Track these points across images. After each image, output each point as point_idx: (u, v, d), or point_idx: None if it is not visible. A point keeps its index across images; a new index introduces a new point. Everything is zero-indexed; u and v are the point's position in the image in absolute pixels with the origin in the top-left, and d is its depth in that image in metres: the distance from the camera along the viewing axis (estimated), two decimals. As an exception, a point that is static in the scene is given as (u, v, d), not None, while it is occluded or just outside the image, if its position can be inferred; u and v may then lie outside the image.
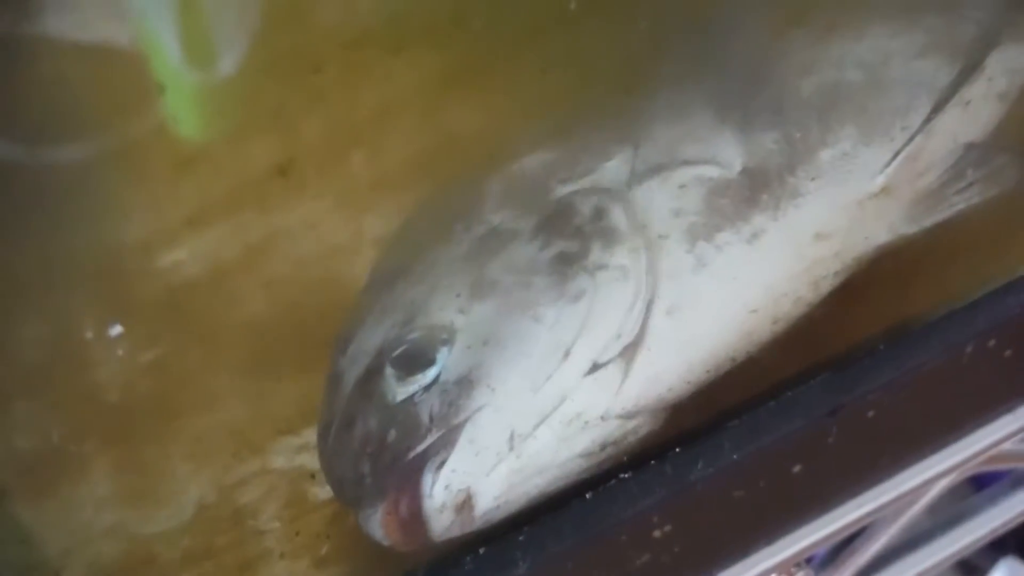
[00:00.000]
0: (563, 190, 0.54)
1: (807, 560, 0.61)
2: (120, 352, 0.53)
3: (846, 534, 0.60)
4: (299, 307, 0.55)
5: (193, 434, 0.54)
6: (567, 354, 0.50)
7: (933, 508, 0.66)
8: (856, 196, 0.54)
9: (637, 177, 0.54)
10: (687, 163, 0.54)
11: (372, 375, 0.51)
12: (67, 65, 0.51)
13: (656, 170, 0.54)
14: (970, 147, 0.57)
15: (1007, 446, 0.65)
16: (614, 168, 0.54)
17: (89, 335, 0.53)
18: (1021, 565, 1.10)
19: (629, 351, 0.51)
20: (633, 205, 0.53)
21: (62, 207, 0.52)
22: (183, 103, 0.54)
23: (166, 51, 0.53)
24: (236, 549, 0.53)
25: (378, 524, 0.49)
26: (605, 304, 0.51)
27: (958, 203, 0.57)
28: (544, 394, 0.50)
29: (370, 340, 0.52)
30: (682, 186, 0.53)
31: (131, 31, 0.52)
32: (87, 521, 0.52)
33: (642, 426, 0.53)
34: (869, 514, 0.60)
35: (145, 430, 0.54)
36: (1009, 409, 0.62)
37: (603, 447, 0.52)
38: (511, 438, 0.49)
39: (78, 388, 0.53)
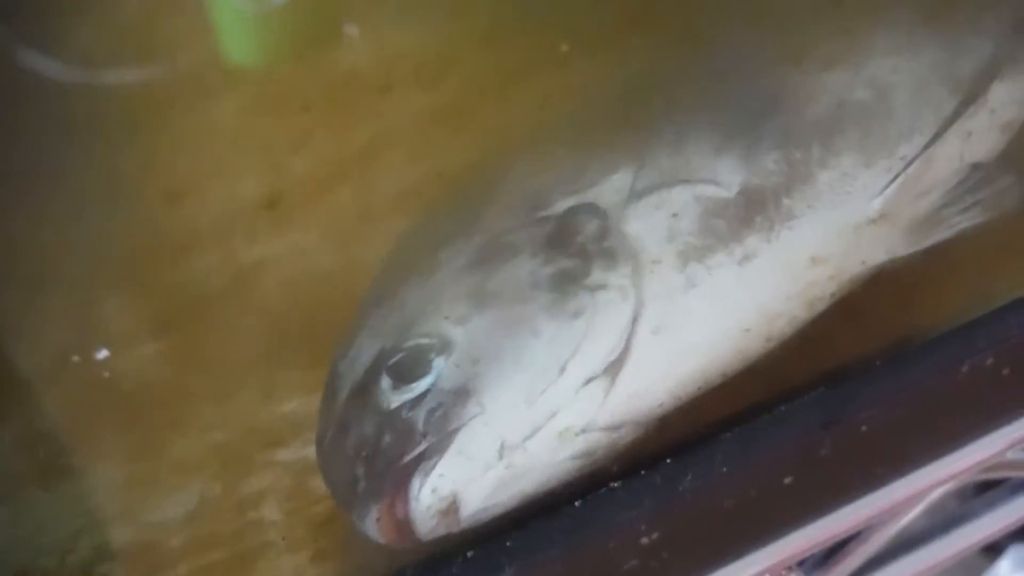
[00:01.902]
0: (565, 203, 0.55)
1: (799, 563, 0.62)
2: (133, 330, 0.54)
3: (838, 539, 0.61)
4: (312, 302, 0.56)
5: (202, 424, 0.56)
6: (562, 370, 0.51)
7: (930, 511, 0.67)
8: (853, 220, 0.55)
9: (637, 194, 0.55)
10: (686, 182, 0.54)
11: (368, 381, 0.52)
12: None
13: (656, 187, 0.54)
14: (975, 167, 0.57)
15: (1008, 455, 0.65)
16: (616, 183, 0.55)
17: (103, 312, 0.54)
18: (1032, 553, 1.10)
19: (614, 367, 0.52)
20: (630, 223, 0.54)
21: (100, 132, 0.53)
22: (235, 31, 0.54)
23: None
24: (238, 539, 0.55)
25: (372, 524, 0.51)
26: (603, 323, 0.52)
27: (960, 223, 0.57)
28: (537, 408, 0.51)
29: (368, 346, 0.53)
30: (680, 204, 0.54)
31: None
32: (97, 506, 0.54)
33: (629, 434, 0.54)
34: (861, 521, 0.61)
35: (155, 419, 0.56)
36: (1007, 421, 0.62)
37: (589, 455, 0.53)
38: (501, 448, 0.51)
39: (89, 375, 0.54)
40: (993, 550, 1.17)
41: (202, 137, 0.53)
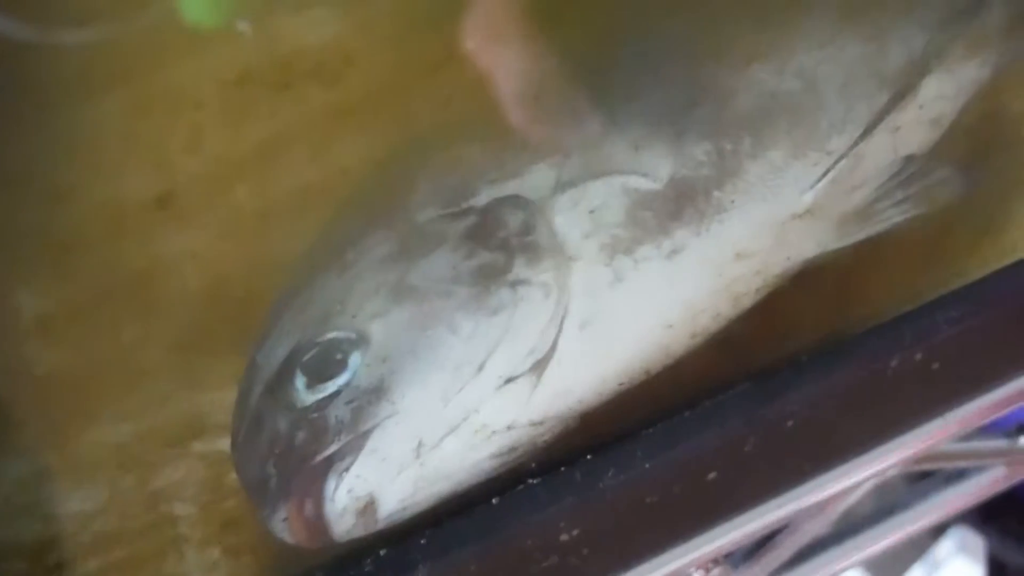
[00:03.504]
0: (490, 192, 0.54)
1: (725, 556, 0.61)
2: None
3: (766, 532, 0.61)
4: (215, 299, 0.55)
5: (114, 414, 0.55)
6: (480, 368, 0.50)
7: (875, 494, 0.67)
8: (782, 215, 0.54)
9: (562, 185, 0.53)
10: (614, 173, 0.53)
11: (282, 377, 0.51)
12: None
13: (582, 179, 0.53)
14: (909, 160, 0.57)
15: (941, 447, 0.65)
16: (541, 173, 0.54)
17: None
18: (971, 534, 1.11)
19: (540, 365, 0.51)
20: (557, 215, 0.53)
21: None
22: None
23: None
24: (149, 533, 0.54)
25: (280, 524, 0.50)
26: (524, 320, 0.51)
27: (892, 217, 0.56)
28: (454, 407, 0.50)
29: (285, 338, 0.52)
30: (607, 196, 0.53)
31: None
32: (1, 500, 0.53)
33: (552, 432, 0.53)
34: (789, 515, 0.60)
35: (66, 408, 0.54)
36: (938, 414, 0.62)
37: (512, 451, 0.52)
38: (418, 447, 0.50)
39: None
40: (936, 530, 1.18)
41: (89, 135, 0.52)
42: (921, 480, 0.73)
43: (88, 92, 0.51)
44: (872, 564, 1.13)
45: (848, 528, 0.69)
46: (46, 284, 0.52)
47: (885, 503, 0.71)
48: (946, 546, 1.11)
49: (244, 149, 0.54)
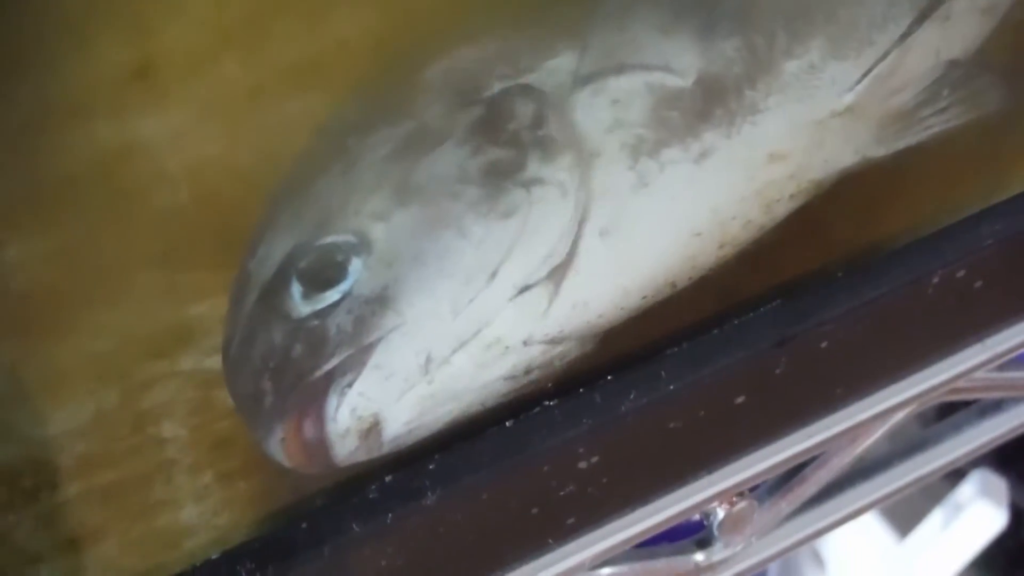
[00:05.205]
0: (501, 87, 0.50)
1: (751, 489, 0.58)
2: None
3: (794, 464, 0.58)
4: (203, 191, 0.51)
5: (94, 329, 0.51)
6: (493, 276, 0.47)
7: (891, 435, 0.63)
8: (819, 114, 0.50)
9: (581, 80, 0.50)
10: (637, 68, 0.50)
11: (278, 284, 0.48)
12: None
13: (603, 73, 0.50)
14: (952, 64, 0.53)
15: (978, 374, 0.61)
16: (558, 67, 0.50)
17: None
18: (993, 476, 1.08)
19: (557, 273, 0.48)
20: (575, 111, 0.49)
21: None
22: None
23: None
24: (135, 456, 0.51)
25: (276, 445, 0.46)
26: (539, 223, 0.47)
27: (934, 125, 0.53)
28: (465, 318, 0.47)
29: (279, 243, 0.49)
30: (629, 93, 0.49)
31: None
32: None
33: (571, 351, 0.49)
34: (819, 445, 0.57)
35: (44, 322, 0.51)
36: (978, 339, 0.59)
37: (527, 371, 0.49)
38: (426, 363, 0.46)
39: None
40: (955, 474, 1.15)
41: None
42: (952, 413, 0.69)
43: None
44: (890, 508, 1.10)
45: (878, 463, 0.66)
46: (7, 176, 0.48)
47: (915, 438, 0.67)
48: (967, 489, 1.08)
49: (232, 14, 0.49)
